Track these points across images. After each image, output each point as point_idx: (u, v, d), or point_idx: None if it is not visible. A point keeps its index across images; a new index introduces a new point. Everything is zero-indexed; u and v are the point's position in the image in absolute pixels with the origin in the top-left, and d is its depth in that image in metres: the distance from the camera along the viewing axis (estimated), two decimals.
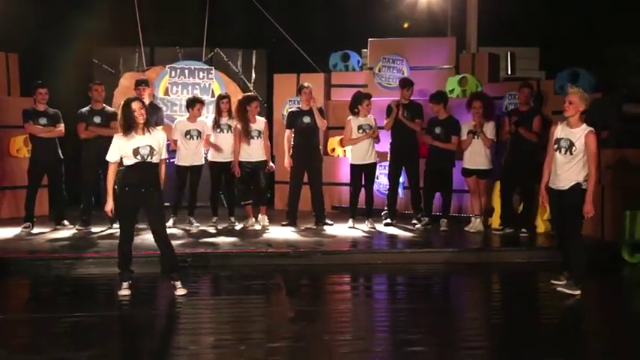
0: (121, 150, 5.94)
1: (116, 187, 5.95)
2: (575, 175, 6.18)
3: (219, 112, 8.86)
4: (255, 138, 8.74)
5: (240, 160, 8.74)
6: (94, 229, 8.62)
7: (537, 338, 5.14)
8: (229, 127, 8.81)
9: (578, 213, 6.19)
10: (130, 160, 5.94)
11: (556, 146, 6.29)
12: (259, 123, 8.82)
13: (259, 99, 9.08)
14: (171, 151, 9.09)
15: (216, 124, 8.83)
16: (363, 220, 8.94)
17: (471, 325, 5.58)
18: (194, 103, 8.78)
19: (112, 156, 5.98)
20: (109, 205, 5.98)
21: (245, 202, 8.97)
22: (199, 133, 8.76)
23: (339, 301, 6.35)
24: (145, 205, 6.02)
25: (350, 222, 9.00)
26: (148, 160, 5.95)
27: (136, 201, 5.98)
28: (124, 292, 6.02)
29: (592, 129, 6.19)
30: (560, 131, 6.31)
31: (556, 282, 6.47)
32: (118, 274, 6.08)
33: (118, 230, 6.27)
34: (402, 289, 6.95)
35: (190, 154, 8.74)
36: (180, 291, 6.05)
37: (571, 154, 6.17)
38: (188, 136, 8.73)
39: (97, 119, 8.67)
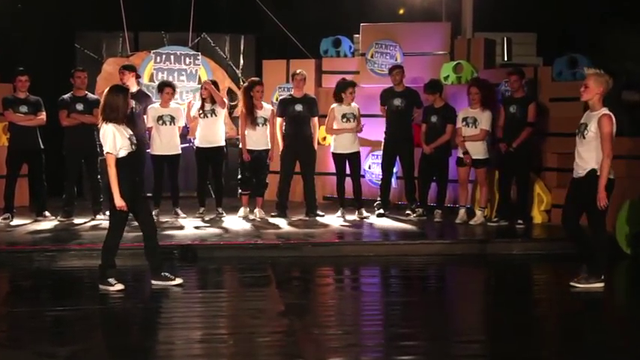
0: (120, 140, 5.90)
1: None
2: (591, 161, 6.05)
3: (202, 98, 8.85)
4: (261, 125, 8.75)
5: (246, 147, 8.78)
6: (76, 221, 8.59)
7: (533, 331, 5.16)
8: (213, 111, 8.79)
9: (593, 202, 6.01)
10: (126, 150, 5.92)
11: (576, 131, 6.23)
12: (266, 110, 8.84)
13: (262, 83, 9.00)
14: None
15: (201, 110, 8.82)
16: (354, 211, 8.99)
17: (465, 318, 5.60)
18: (162, 87, 8.76)
19: (114, 147, 5.87)
20: (122, 201, 5.87)
21: (244, 191, 8.97)
22: (172, 119, 8.73)
23: (330, 294, 6.36)
24: (137, 197, 6.04)
25: (339, 212, 9.04)
26: (136, 148, 6.04)
27: (133, 192, 5.98)
28: (119, 286, 5.98)
29: (608, 112, 6.05)
30: (584, 117, 6.24)
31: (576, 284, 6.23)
32: (106, 269, 6.02)
33: (108, 223, 6.23)
34: (394, 282, 6.97)
35: (165, 143, 8.68)
36: (178, 280, 6.12)
37: (584, 137, 6.09)
38: (160, 122, 8.67)
39: (80, 106, 8.63)
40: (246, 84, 9.02)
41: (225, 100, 8.99)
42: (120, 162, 5.89)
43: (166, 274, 6.14)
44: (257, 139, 8.76)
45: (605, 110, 6.08)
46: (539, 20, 12.31)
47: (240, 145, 8.89)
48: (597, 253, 6.18)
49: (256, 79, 9.18)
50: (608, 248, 6.27)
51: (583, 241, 6.25)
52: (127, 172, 5.92)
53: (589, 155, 6.07)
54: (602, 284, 6.15)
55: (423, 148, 8.94)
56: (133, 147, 5.99)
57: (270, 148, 8.85)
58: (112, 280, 5.99)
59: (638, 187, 7.88)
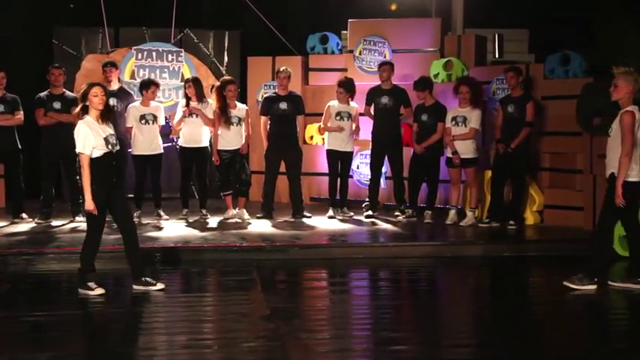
0: (92, 139, 5.85)
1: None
2: (612, 162, 6.11)
3: (186, 97, 8.85)
4: (235, 125, 8.76)
5: (219, 148, 8.76)
6: (54, 223, 8.55)
7: (525, 335, 5.20)
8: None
9: (608, 204, 6.12)
10: (101, 150, 5.89)
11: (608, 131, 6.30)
12: (240, 110, 8.86)
13: (235, 82, 9.04)
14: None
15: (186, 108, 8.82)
16: (337, 210, 9.16)
17: (456, 322, 5.63)
18: (149, 85, 8.73)
19: (86, 147, 5.84)
20: (93, 204, 5.87)
21: (225, 192, 8.98)
22: (155, 118, 8.72)
23: (318, 298, 6.38)
24: (114, 197, 6.01)
25: (330, 211, 9.11)
26: (116, 149, 6.00)
27: (108, 193, 5.97)
28: (100, 290, 5.96)
29: (629, 109, 6.05)
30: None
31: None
32: (86, 273, 6.00)
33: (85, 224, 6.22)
34: (384, 285, 6.99)
35: (147, 143, 8.67)
36: (160, 285, 6.11)
37: (609, 136, 6.16)
38: (143, 121, 8.65)
39: (57, 105, 8.58)
40: (218, 83, 9.04)
41: (212, 110, 8.89)
42: (94, 162, 5.86)
43: (147, 279, 6.13)
44: (230, 138, 8.77)
45: (629, 107, 6.09)
46: (531, 17, 12.39)
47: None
48: (596, 256, 6.27)
49: (229, 78, 9.22)
50: (608, 254, 6.34)
51: (635, 242, 6.34)
52: (102, 174, 5.89)
53: (611, 155, 6.15)
54: (594, 286, 6.22)
55: (414, 148, 8.98)
56: (109, 147, 5.92)
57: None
58: (92, 284, 5.97)
59: None
